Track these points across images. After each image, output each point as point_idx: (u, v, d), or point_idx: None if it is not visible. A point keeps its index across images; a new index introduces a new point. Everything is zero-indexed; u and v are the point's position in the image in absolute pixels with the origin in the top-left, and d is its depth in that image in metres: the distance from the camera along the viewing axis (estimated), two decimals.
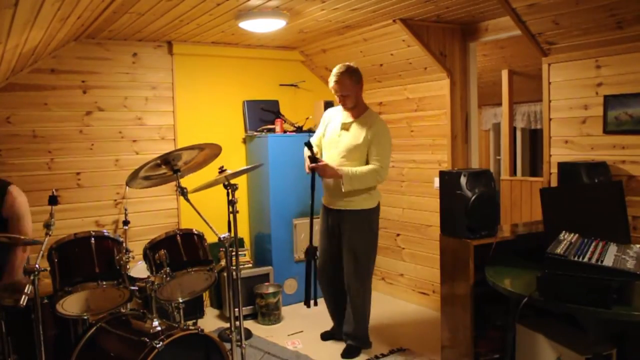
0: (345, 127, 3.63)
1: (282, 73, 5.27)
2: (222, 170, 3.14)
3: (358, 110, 3.63)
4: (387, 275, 5.12)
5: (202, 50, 4.79)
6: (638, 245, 2.54)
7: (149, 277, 2.76)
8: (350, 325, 3.77)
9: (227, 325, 4.19)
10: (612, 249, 2.44)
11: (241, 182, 4.59)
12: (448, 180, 3.01)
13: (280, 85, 5.25)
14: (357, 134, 3.56)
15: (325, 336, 4.06)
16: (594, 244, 2.46)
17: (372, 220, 3.67)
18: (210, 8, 3.55)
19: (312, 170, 3.57)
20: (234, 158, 4.98)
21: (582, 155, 3.48)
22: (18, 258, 3.05)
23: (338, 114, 3.74)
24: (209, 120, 4.87)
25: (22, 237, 2.86)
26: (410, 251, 4.84)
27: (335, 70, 3.56)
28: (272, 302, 4.41)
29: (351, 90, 3.53)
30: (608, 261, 2.27)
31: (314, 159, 3.53)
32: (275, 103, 5.15)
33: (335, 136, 3.66)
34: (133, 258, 3.22)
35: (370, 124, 3.55)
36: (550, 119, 3.68)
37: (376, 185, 3.65)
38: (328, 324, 4.22)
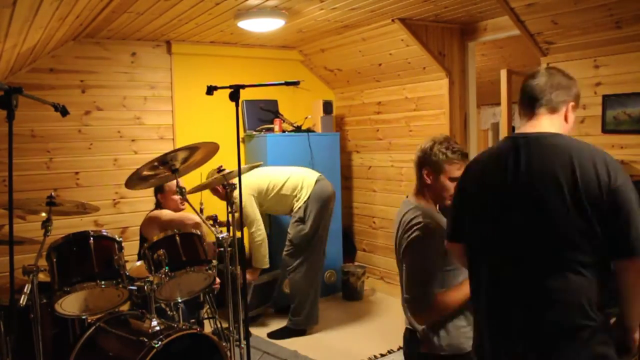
0: None
1: (281, 72, 5.25)
2: (220, 169, 3.14)
3: None
4: (387, 274, 5.12)
5: (200, 50, 4.78)
6: None
7: (147, 277, 2.76)
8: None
9: (227, 325, 4.18)
10: None
11: None
12: None
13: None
14: None
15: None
16: None
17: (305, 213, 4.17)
18: (209, 7, 3.54)
19: None
20: (233, 157, 4.96)
21: None
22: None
23: None
24: (207, 120, 4.85)
25: (23, 237, 2.86)
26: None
27: None
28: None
29: None
30: None
31: None
32: (274, 102, 5.14)
33: None
34: None
35: None
36: None
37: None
38: (328, 322, 4.23)
